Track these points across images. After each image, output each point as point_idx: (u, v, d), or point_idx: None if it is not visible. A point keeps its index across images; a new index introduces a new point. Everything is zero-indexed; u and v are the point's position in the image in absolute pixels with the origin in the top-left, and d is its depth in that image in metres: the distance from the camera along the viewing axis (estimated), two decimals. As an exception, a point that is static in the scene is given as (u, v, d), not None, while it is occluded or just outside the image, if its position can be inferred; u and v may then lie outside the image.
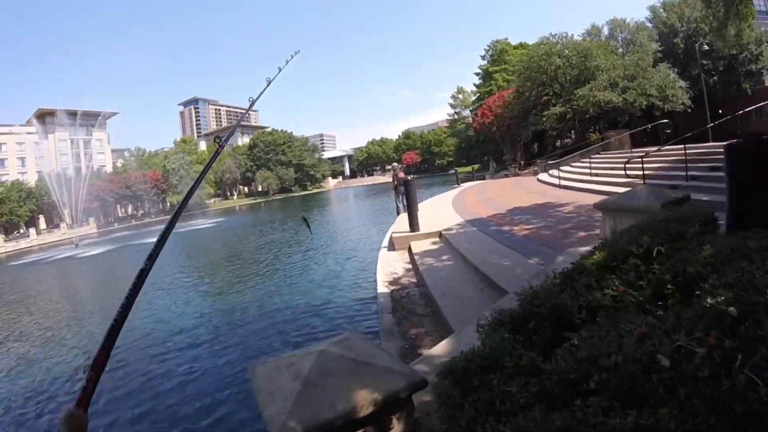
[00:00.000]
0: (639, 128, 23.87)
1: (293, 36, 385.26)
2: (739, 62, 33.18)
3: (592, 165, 18.23)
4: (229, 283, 13.86)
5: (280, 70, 3.05)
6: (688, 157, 12.11)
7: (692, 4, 34.74)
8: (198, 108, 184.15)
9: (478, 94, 61.60)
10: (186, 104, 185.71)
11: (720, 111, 30.29)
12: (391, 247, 10.86)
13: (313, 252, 16.71)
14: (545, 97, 36.26)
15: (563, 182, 17.91)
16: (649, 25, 38.01)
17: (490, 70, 58.16)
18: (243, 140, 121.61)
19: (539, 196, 15.65)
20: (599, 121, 34.64)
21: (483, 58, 61.28)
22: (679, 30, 35.54)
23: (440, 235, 10.39)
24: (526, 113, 37.27)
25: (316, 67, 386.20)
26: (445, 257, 8.46)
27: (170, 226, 1.54)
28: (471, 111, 64.23)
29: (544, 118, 32.95)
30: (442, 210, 14.90)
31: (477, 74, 62.37)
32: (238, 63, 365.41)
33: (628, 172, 12.30)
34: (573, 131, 39.53)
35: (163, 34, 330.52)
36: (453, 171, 44.75)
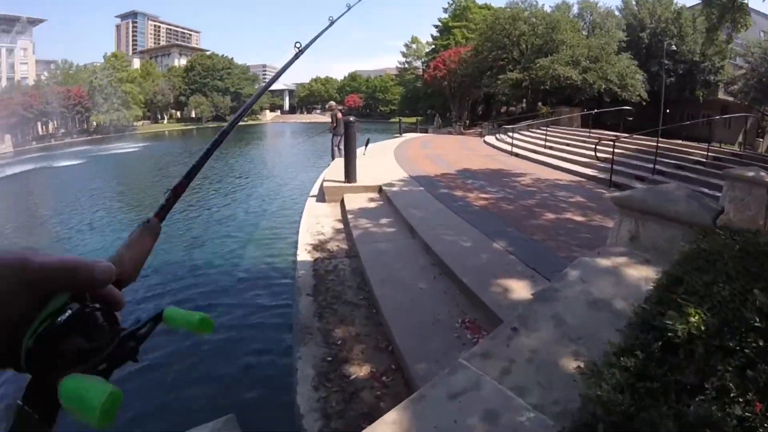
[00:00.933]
0: (600, 110, 22.87)
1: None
2: (699, 70, 33.48)
3: (548, 137, 17.15)
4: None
5: (331, 21, 1.88)
6: (651, 150, 11.20)
7: (665, 5, 35.05)
8: (136, 22, 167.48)
9: (433, 46, 59.09)
10: (124, 17, 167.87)
11: (668, 111, 30.49)
12: (321, 197, 9.12)
13: (236, 193, 14.74)
14: (502, 62, 34.82)
15: (515, 149, 16.73)
16: (618, 14, 37.60)
17: (450, 24, 55.62)
18: (180, 62, 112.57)
19: (490, 160, 14.51)
20: (552, 95, 33.82)
21: (445, 11, 58.56)
22: (648, 25, 34.97)
23: (380, 190, 8.88)
24: (480, 73, 35.75)
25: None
26: (385, 221, 6.88)
27: (214, 144, 1.03)
28: (423, 63, 61.83)
29: (499, 82, 31.54)
30: (382, 160, 13.21)
31: (436, 26, 59.55)
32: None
33: (591, 153, 11.22)
34: (525, 100, 38.64)
35: None
36: (397, 119, 43.07)
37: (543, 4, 33.03)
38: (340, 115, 15.35)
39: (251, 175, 20.43)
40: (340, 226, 7.19)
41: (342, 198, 8.49)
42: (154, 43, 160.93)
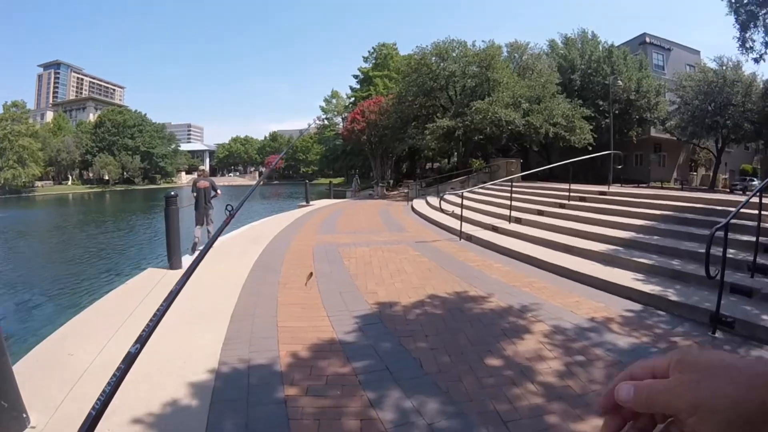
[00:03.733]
0: (573, 159, 17.23)
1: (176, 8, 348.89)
2: (635, 108, 31.42)
3: (515, 198, 11.10)
4: None
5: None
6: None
7: (593, 45, 33.78)
8: (59, 73, 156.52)
9: (353, 99, 54.00)
10: (46, 67, 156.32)
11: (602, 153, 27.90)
12: None
13: None
14: (429, 109, 29.58)
15: (465, 227, 10.40)
16: (545, 58, 34.65)
17: (371, 74, 51.03)
18: (94, 116, 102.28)
19: (429, 254, 8.20)
20: (485, 146, 28.70)
21: (366, 60, 54.10)
22: (579, 66, 32.44)
23: None
24: (404, 124, 30.17)
25: (193, 52, 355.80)
26: None
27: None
28: (343, 118, 56.54)
29: (427, 132, 25.85)
30: (226, 273, 6.77)
31: (355, 77, 54.89)
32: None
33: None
34: (456, 153, 33.50)
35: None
36: (324, 180, 36.99)
37: (473, 42, 28.10)
38: (203, 182, 10.17)
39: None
40: None
41: None
42: (76, 95, 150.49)
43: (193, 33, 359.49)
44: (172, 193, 7.41)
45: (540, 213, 11.02)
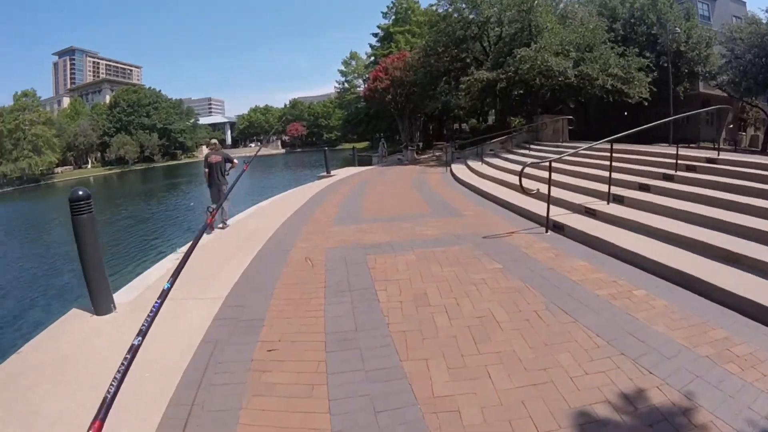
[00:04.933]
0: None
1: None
2: (684, 60, 27.61)
3: (598, 167, 7.73)
4: None
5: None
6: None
7: None
8: (74, 59, 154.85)
9: (373, 58, 49.75)
10: (61, 54, 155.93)
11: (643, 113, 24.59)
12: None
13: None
14: (460, 62, 25.65)
15: (544, 207, 7.04)
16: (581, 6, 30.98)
17: (392, 30, 46.57)
18: (111, 98, 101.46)
19: (523, 268, 4.86)
20: (528, 100, 24.78)
21: (385, 15, 49.56)
22: (621, 15, 28.65)
23: None
24: (434, 79, 26.28)
25: (212, 24, 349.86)
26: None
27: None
28: (364, 80, 52.50)
29: (463, 86, 22.05)
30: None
31: (375, 35, 50.46)
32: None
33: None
34: (494, 110, 29.68)
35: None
36: (348, 146, 34.38)
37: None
38: (215, 157, 8.86)
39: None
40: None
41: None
42: (93, 80, 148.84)
43: (210, 6, 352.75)
44: (80, 192, 4.22)
45: (644, 188, 7.69)
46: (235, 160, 9.03)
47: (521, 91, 21.89)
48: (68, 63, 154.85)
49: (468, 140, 26.70)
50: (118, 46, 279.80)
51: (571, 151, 9.33)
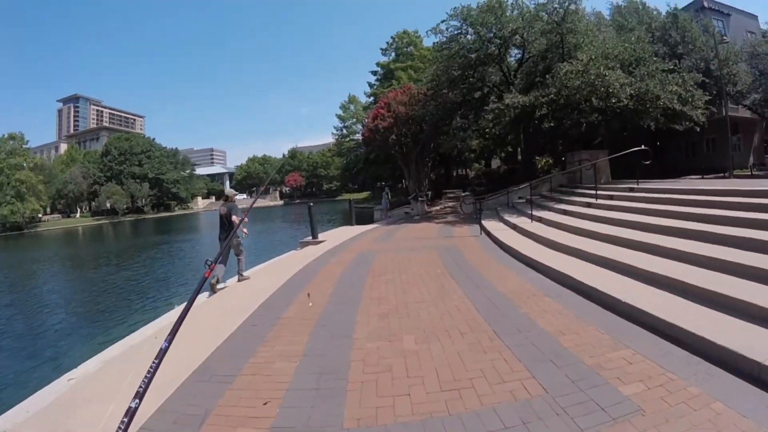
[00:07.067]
0: None
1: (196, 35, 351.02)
2: (712, 79, 24.32)
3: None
4: None
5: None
6: None
7: (647, 12, 28.48)
8: (78, 107, 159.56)
9: (372, 98, 45.58)
10: (66, 101, 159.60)
11: (658, 143, 24.57)
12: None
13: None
14: (478, 92, 20.85)
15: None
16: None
17: (393, 66, 42.80)
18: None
19: None
20: (566, 131, 19.63)
21: (384, 52, 45.92)
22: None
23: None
24: (449, 112, 21.36)
25: (209, 76, 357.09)
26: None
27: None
28: (363, 124, 48.22)
29: (488, 116, 17.01)
30: None
31: (374, 72, 46.68)
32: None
33: None
34: (519, 149, 24.82)
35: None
36: (346, 197, 29.64)
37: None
38: (222, 209, 8.49)
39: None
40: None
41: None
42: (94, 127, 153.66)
43: (214, 57, 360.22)
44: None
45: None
46: (235, 218, 8.10)
47: (552, 124, 16.95)
48: (72, 110, 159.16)
49: (482, 186, 22.16)
50: (123, 95, 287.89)
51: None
